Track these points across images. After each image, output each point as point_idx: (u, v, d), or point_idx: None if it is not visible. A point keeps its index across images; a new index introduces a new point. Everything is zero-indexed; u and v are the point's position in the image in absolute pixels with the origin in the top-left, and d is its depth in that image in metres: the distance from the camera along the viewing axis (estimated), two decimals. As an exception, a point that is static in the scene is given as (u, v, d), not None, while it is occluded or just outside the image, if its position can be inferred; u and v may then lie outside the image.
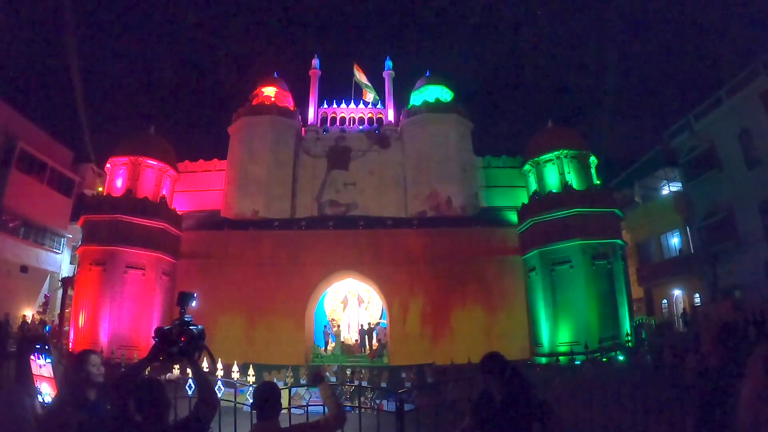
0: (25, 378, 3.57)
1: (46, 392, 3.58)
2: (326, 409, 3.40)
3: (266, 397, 3.13)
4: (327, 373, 18.37)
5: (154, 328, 2.79)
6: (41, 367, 3.60)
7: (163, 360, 2.75)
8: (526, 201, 22.57)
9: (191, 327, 2.73)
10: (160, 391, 2.82)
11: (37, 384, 3.59)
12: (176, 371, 11.38)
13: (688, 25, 54.81)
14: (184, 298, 2.87)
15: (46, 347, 3.49)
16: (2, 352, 14.55)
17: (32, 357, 3.62)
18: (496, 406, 3.16)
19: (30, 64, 54.66)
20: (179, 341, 2.68)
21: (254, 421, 3.16)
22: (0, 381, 10.25)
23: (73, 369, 3.39)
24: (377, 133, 27.68)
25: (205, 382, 2.81)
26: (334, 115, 28.77)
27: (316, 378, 3.91)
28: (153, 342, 2.72)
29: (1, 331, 18.40)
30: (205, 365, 2.90)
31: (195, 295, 2.93)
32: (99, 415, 3.02)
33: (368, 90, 29.99)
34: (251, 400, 11.11)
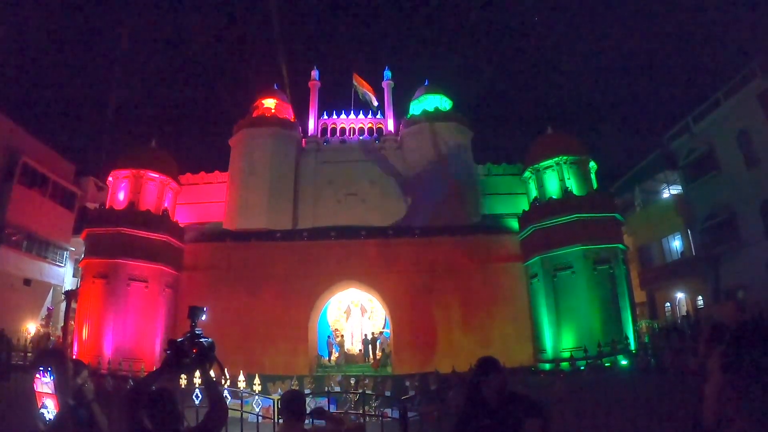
0: (28, 394, 3.62)
1: (51, 409, 3.62)
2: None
3: (290, 399, 3.68)
4: (330, 385, 18.40)
5: (166, 340, 2.89)
6: (45, 384, 3.64)
7: (175, 371, 2.85)
8: (526, 208, 22.62)
9: (202, 340, 2.84)
10: (172, 402, 2.91)
11: (42, 401, 3.62)
12: (183, 381, 11.45)
13: (684, 29, 55.16)
14: (194, 312, 2.97)
15: (49, 369, 3.53)
16: (8, 365, 14.57)
17: (37, 375, 3.66)
18: (489, 407, 3.19)
19: (32, 78, 55.17)
20: (191, 353, 2.78)
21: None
22: (4, 393, 10.28)
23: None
24: (377, 143, 27.79)
25: (215, 392, 2.90)
26: (334, 125, 28.88)
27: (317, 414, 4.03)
28: (166, 354, 2.82)
29: (4, 345, 18.42)
30: (212, 375, 2.99)
31: (205, 309, 3.03)
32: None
33: (369, 101, 29.89)
34: (257, 409, 11.13)
